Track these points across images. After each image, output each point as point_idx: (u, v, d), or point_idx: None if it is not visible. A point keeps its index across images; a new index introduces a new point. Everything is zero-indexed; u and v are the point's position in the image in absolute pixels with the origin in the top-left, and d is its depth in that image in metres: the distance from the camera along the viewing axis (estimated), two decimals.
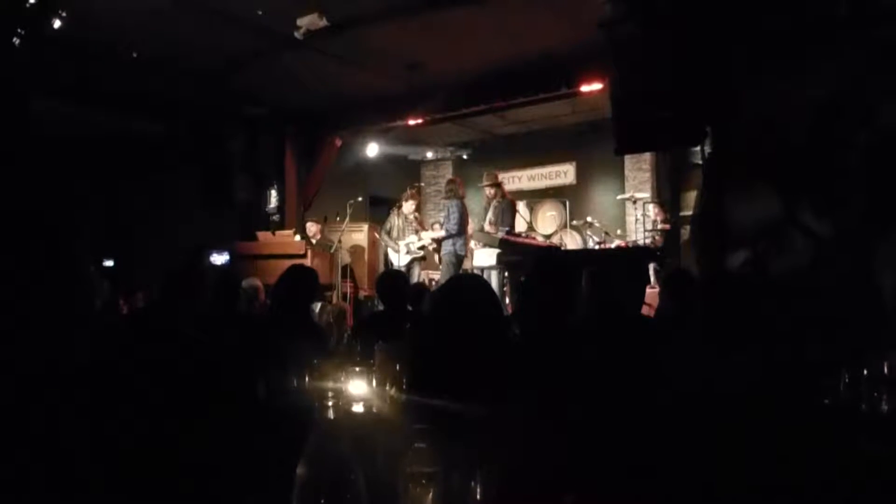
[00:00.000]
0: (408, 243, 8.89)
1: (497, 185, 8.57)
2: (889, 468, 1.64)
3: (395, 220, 9.09)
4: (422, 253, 8.98)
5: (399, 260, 8.88)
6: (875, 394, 2.10)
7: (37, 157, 8.63)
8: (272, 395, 2.25)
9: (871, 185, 3.84)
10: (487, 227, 8.24)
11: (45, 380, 1.23)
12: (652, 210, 9.28)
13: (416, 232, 9.01)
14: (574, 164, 11.60)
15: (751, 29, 4.42)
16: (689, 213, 8.62)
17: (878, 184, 3.82)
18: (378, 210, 11.41)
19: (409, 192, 9.23)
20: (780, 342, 2.03)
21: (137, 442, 1.33)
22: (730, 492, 1.57)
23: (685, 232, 9.19)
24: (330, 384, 2.19)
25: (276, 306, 3.77)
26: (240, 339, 3.17)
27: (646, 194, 10.06)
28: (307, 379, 2.25)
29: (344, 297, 8.83)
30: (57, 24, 6.12)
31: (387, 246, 9.25)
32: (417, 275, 8.81)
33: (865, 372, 2.11)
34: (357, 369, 2.31)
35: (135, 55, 7.35)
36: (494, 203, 8.40)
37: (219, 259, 7.78)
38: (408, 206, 9.04)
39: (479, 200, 9.63)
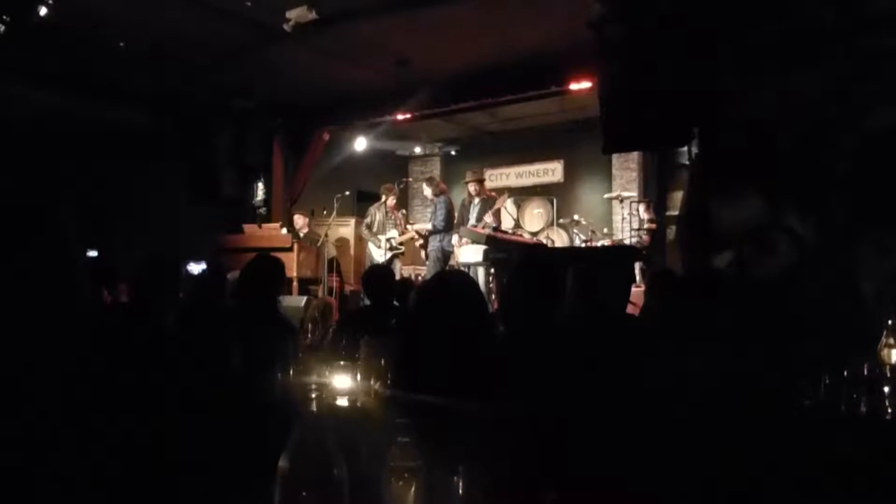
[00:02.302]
0: (389, 238, 8.91)
1: (480, 181, 8.59)
2: (867, 469, 1.66)
3: (375, 215, 9.11)
4: (402, 249, 9.01)
5: (379, 255, 8.90)
6: (854, 395, 2.12)
7: (23, 147, 8.57)
8: (251, 388, 2.25)
9: (855, 188, 3.88)
10: (489, 220, 8.25)
11: (33, 371, 1.22)
12: (640, 209, 9.32)
13: (397, 226, 9.03)
14: (562, 162, 11.62)
15: (739, 32, 4.45)
16: (676, 212, 8.67)
17: (862, 188, 3.86)
18: (365, 205, 11.37)
19: (388, 186, 9.26)
20: (762, 342, 2.04)
21: (118, 437, 1.32)
22: (709, 490, 1.58)
23: (671, 231, 9.25)
24: (313, 378, 2.19)
25: (241, 297, 3.73)
26: (221, 333, 3.15)
27: (633, 193, 10.10)
28: (290, 372, 2.25)
29: (330, 291, 8.81)
30: (43, 11, 6.06)
31: (367, 240, 9.26)
32: (399, 270, 8.82)
33: (845, 373, 2.13)
34: (342, 364, 2.31)
35: (122, 45, 7.29)
36: (476, 200, 8.43)
37: (196, 269, 7.68)
38: (389, 202, 9.08)
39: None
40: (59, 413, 1.22)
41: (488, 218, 8.27)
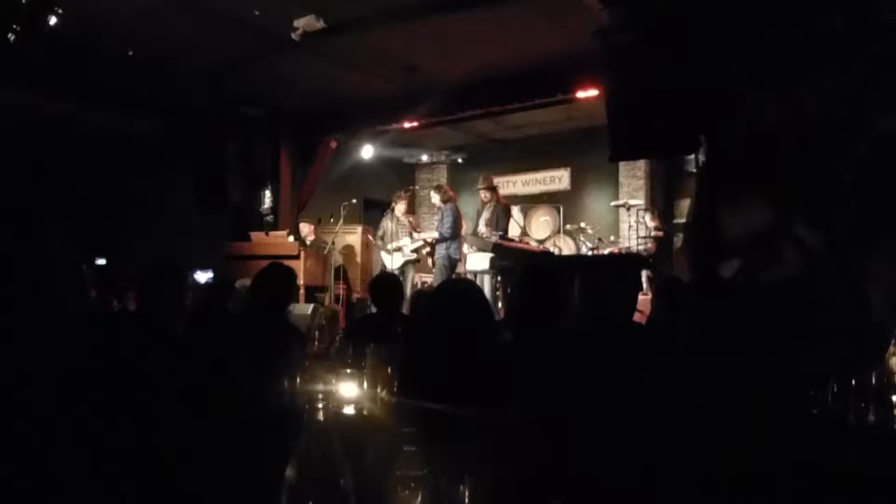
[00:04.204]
0: (401, 246, 8.89)
1: (492, 188, 8.59)
2: (875, 480, 1.65)
3: (387, 225, 9.10)
4: (415, 256, 8.99)
5: (393, 263, 8.89)
6: (863, 405, 2.11)
7: (30, 155, 8.62)
8: (258, 396, 2.25)
9: (864, 197, 3.86)
10: (483, 230, 8.23)
11: (25, 376, 1.22)
12: (647, 217, 9.31)
13: (410, 234, 9.01)
14: (569, 169, 11.63)
15: (748, 40, 4.44)
16: (683, 220, 8.66)
17: (871, 196, 3.84)
18: (372, 212, 11.41)
19: (398, 194, 9.25)
20: (769, 352, 2.03)
21: (123, 443, 1.32)
22: (715, 499, 1.58)
23: (679, 239, 9.22)
24: (319, 386, 2.19)
25: (252, 304, 3.74)
26: (226, 340, 3.16)
27: (640, 201, 10.09)
28: (296, 380, 2.25)
29: (336, 299, 8.82)
30: (53, 21, 6.10)
31: (381, 251, 9.25)
32: (412, 278, 8.80)
33: (854, 383, 2.11)
34: (348, 371, 2.31)
35: (130, 54, 7.33)
36: (489, 207, 8.42)
37: (203, 277, 7.65)
38: (399, 209, 9.06)
39: (474, 204, 9.64)
40: (48, 418, 1.22)
41: (482, 227, 8.26)
